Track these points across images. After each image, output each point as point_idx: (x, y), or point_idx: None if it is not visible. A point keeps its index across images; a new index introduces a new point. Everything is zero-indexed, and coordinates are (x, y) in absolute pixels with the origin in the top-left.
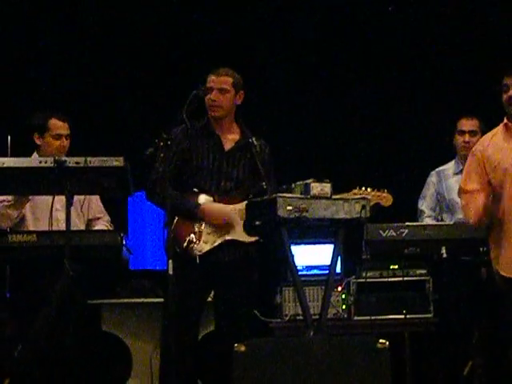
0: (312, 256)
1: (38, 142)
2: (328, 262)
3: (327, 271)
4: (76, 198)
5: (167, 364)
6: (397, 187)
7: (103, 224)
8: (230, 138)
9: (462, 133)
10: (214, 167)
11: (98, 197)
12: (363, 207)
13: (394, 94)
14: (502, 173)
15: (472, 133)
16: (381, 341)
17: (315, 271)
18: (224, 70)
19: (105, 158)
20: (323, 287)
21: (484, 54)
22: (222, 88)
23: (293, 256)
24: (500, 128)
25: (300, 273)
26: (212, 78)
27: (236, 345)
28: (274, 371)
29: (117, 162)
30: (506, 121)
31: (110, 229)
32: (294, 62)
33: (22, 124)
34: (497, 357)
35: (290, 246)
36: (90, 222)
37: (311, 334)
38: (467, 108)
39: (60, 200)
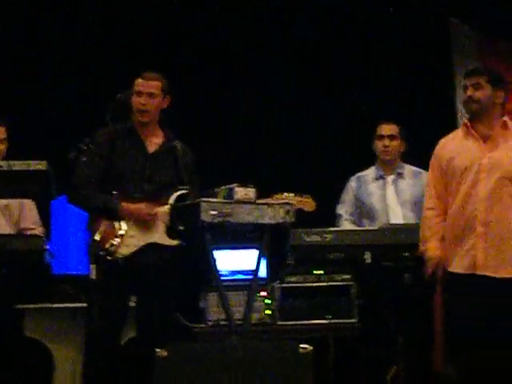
0: (237, 261)
1: None
2: (252, 266)
3: (252, 276)
4: (6, 202)
5: (90, 369)
6: (319, 192)
7: (37, 231)
8: (154, 142)
9: (382, 137)
10: (138, 171)
11: (34, 207)
12: (287, 212)
13: (315, 99)
14: (460, 170)
15: (391, 137)
16: (303, 346)
17: (240, 276)
18: (153, 74)
19: (28, 162)
20: (246, 292)
21: (404, 59)
22: (151, 92)
23: (215, 261)
24: (460, 129)
25: (224, 278)
26: (141, 82)
27: (158, 350)
28: (195, 376)
29: (40, 165)
30: (465, 121)
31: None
32: (216, 64)
33: None
34: (420, 361)
35: (212, 251)
36: (21, 232)
37: (234, 339)
38: (387, 113)
39: None
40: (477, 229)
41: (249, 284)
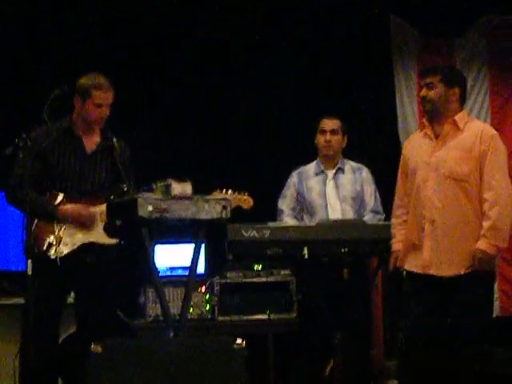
0: (176, 256)
1: None
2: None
3: (188, 271)
4: None
5: (28, 365)
6: (260, 187)
7: None
8: (92, 140)
9: (324, 132)
10: (76, 170)
11: None
12: (224, 208)
13: (257, 94)
14: (413, 169)
15: (333, 132)
16: (237, 341)
17: (179, 272)
18: (107, 83)
19: None
20: None
21: (345, 57)
22: (109, 103)
23: (153, 256)
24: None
25: (164, 273)
26: (101, 94)
27: (92, 345)
28: (129, 372)
29: None
30: (423, 120)
31: None
32: (146, 58)
33: None
34: (357, 356)
35: (150, 247)
36: None
37: (171, 334)
38: (328, 109)
39: None
40: (425, 227)
41: (187, 279)
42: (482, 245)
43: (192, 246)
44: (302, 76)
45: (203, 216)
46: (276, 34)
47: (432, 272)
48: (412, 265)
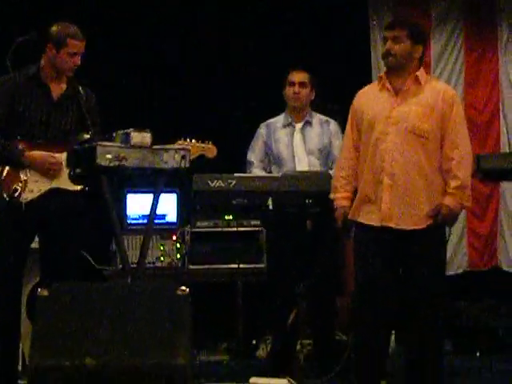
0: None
1: None
2: (163, 211)
3: (161, 220)
4: None
5: None
6: (232, 139)
7: None
8: (58, 88)
9: (292, 84)
10: (43, 117)
11: None
12: (183, 157)
13: (227, 45)
14: (370, 122)
15: (302, 84)
16: (182, 288)
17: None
18: (81, 32)
19: None
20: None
21: (321, 10)
22: (82, 52)
23: (113, 205)
24: (376, 81)
25: (137, 221)
26: (76, 43)
27: (39, 289)
28: (73, 314)
29: None
30: (381, 74)
31: None
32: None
33: None
34: (320, 304)
35: (109, 195)
36: None
37: (129, 280)
38: (297, 61)
39: None
40: (383, 181)
41: (146, 228)
42: (449, 202)
43: (164, 195)
44: (274, 26)
45: (162, 165)
46: None
47: (391, 225)
48: (367, 218)
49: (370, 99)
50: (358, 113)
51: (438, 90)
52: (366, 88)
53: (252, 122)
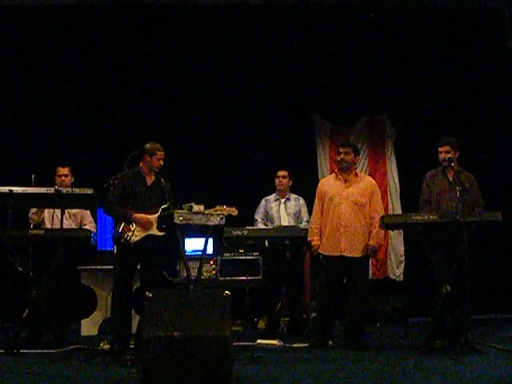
0: (195, 244)
1: None
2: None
3: (201, 253)
4: (74, 211)
5: (115, 304)
6: (244, 207)
7: (89, 226)
8: (150, 178)
9: (278, 177)
10: (142, 195)
11: (88, 213)
12: (221, 218)
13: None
14: (330, 198)
15: (283, 177)
16: (225, 292)
17: (198, 253)
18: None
19: (83, 189)
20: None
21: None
22: (164, 158)
23: (184, 245)
24: (333, 175)
25: (189, 253)
26: (161, 153)
27: (147, 293)
28: (165, 307)
29: (89, 191)
30: (336, 171)
31: (93, 230)
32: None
33: None
34: (294, 300)
35: (181, 239)
36: (81, 226)
37: (191, 287)
38: (281, 165)
39: (58, 211)
40: (340, 229)
41: (200, 257)
42: (372, 242)
43: (203, 239)
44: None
45: (210, 223)
46: None
47: (345, 254)
48: (330, 250)
49: (330, 184)
50: (322, 192)
51: (367, 180)
52: (326, 178)
53: (258, 196)
